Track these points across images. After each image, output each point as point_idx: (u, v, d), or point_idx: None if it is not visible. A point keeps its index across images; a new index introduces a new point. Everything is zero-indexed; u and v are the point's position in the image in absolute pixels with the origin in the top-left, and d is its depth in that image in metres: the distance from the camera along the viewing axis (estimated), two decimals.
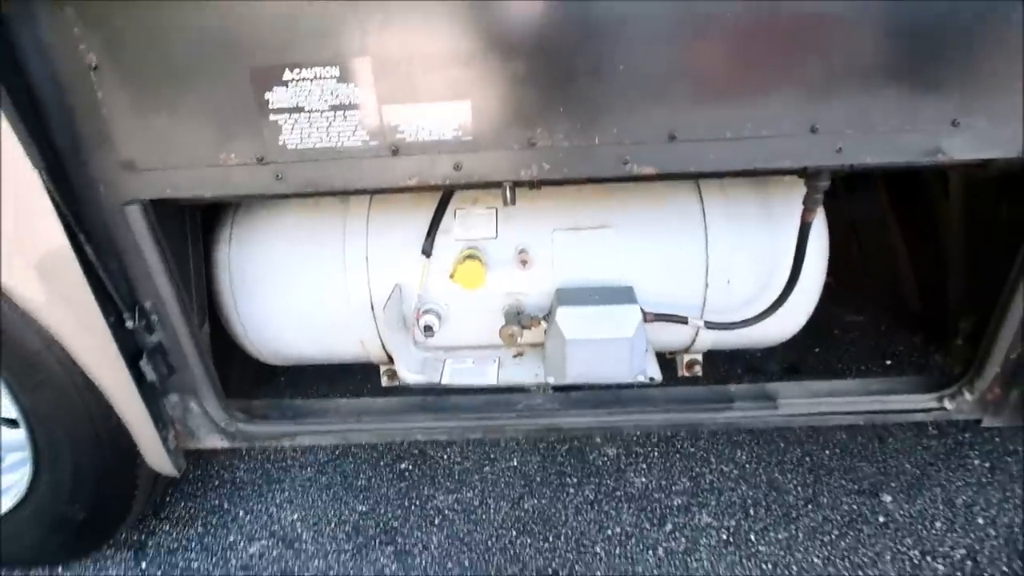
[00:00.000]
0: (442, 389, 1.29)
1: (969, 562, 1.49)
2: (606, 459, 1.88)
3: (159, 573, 1.58)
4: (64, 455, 1.27)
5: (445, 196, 1.30)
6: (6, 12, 0.88)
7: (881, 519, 1.62)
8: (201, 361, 1.19)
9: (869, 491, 1.70)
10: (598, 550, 1.58)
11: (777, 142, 0.95)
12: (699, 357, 1.51)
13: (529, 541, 1.62)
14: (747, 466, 1.82)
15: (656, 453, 1.90)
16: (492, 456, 1.92)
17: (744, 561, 1.52)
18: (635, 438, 1.95)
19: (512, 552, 1.59)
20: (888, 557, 1.51)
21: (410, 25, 0.89)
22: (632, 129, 0.96)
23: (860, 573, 1.48)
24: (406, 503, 1.76)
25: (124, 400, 1.17)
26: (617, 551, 1.57)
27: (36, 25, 0.88)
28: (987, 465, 1.77)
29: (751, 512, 1.66)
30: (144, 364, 1.14)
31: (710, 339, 1.41)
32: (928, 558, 1.51)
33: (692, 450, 1.89)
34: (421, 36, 0.90)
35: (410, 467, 1.90)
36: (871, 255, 1.86)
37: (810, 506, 1.67)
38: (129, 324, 1.10)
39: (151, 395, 1.19)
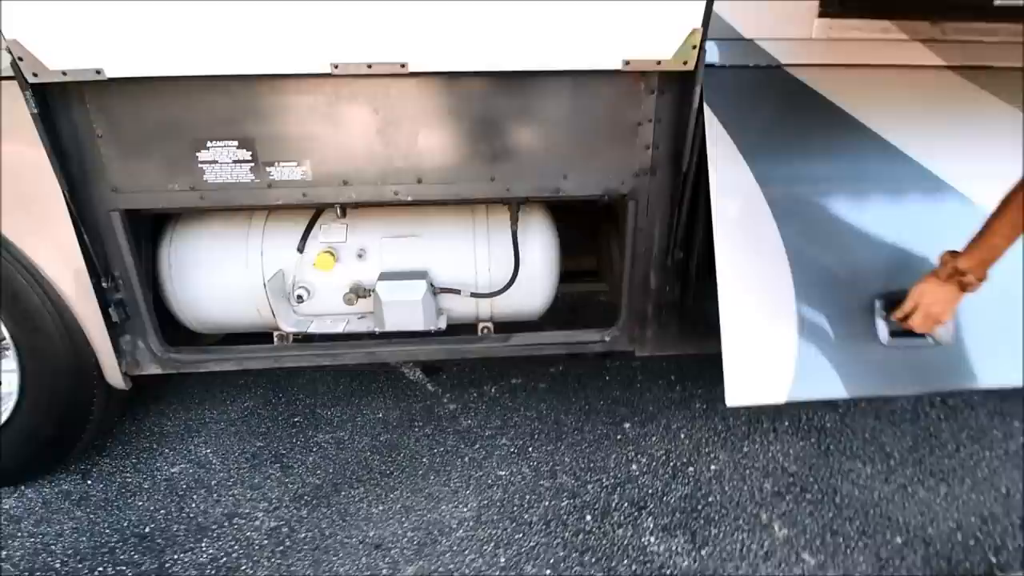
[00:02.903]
0: (307, 336, 2.03)
1: (664, 458, 2.29)
2: (446, 410, 2.61)
3: (101, 485, 2.17)
4: (45, 379, 1.91)
5: (316, 214, 2.08)
6: (51, 103, 1.61)
7: (619, 437, 2.41)
8: (148, 313, 1.88)
9: (618, 422, 2.50)
10: (424, 460, 2.29)
11: (476, 184, 1.78)
12: (490, 324, 2.30)
13: (378, 459, 2.31)
14: (544, 412, 2.59)
15: (483, 405, 2.64)
16: (364, 411, 2.61)
17: (518, 462, 2.27)
18: (471, 396, 2.70)
19: (365, 464, 2.27)
20: (613, 457, 2.29)
21: (274, 122, 1.68)
22: (398, 176, 1.77)
23: (591, 464, 2.24)
24: (294, 440, 2.43)
25: (97, 335, 1.84)
26: (437, 461, 2.28)
27: (70, 111, 1.62)
28: (704, 407, 2.61)
29: (534, 436, 2.42)
30: (112, 310, 1.83)
31: (488, 310, 2.20)
32: (638, 455, 2.30)
33: (510, 404, 2.65)
34: (280, 126, 1.69)
35: (300, 419, 2.57)
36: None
37: (575, 431, 2.44)
38: (104, 284, 1.79)
39: (114, 332, 1.87)
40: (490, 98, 1.67)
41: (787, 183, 1.76)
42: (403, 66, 1.52)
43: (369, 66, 1.51)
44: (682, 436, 2.41)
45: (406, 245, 2.08)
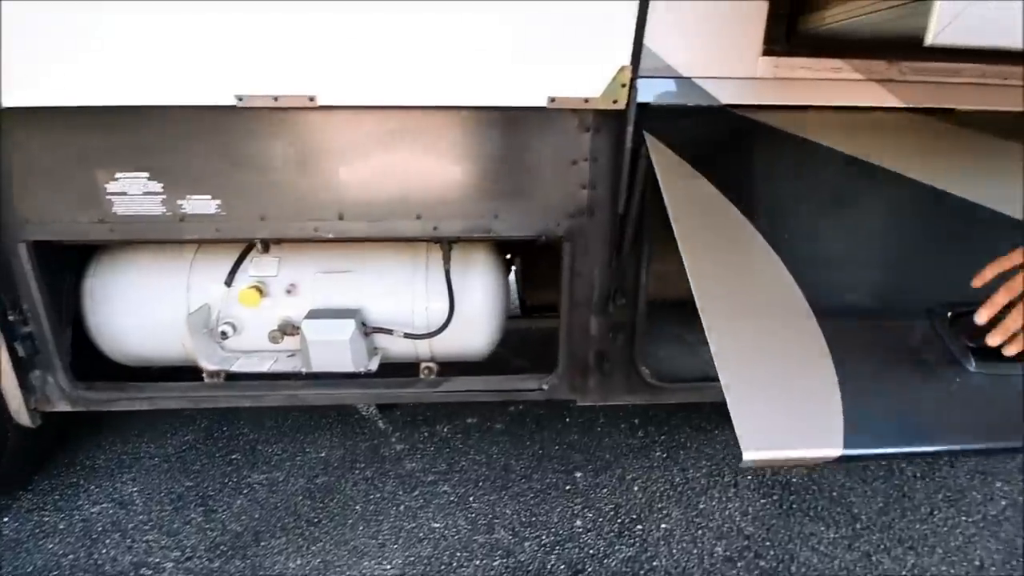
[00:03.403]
0: (231, 374, 1.92)
1: (612, 513, 2.14)
2: (392, 451, 2.49)
3: (15, 524, 2.06)
4: None
5: (248, 247, 1.99)
6: None
7: (567, 487, 2.27)
8: (58, 348, 1.78)
9: (570, 470, 2.36)
10: (356, 508, 2.16)
11: (402, 222, 1.68)
12: (433, 365, 2.18)
13: (309, 504, 2.18)
14: (495, 456, 2.45)
15: (432, 447, 2.51)
16: (306, 449, 2.49)
17: (456, 513, 2.13)
18: (421, 435, 2.57)
19: (294, 510, 2.15)
20: (558, 510, 2.15)
21: (184, 154, 1.59)
22: (318, 212, 1.67)
23: (533, 518, 2.10)
24: (225, 480, 2.31)
25: (4, 370, 1.75)
26: (370, 509, 2.15)
27: None
28: (664, 456, 2.46)
29: (479, 483, 2.28)
30: (18, 344, 1.73)
31: (428, 350, 2.09)
32: (585, 509, 2.15)
33: (460, 445, 2.52)
34: (191, 159, 1.60)
35: (239, 456, 2.45)
36: None
37: (523, 479, 2.30)
38: (10, 316, 1.70)
39: (21, 367, 1.78)
40: (411, 133, 1.57)
41: (774, 214, 1.57)
42: (311, 99, 1.43)
43: (275, 99, 1.43)
44: (636, 489, 2.26)
45: (339, 281, 1.97)
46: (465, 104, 1.48)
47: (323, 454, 2.46)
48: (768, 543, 2.00)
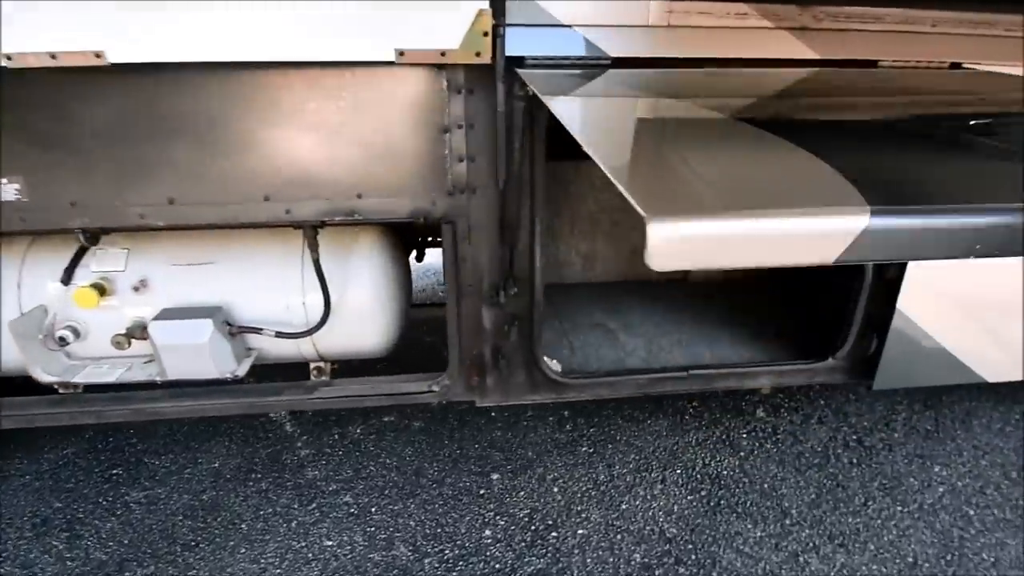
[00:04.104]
0: (76, 384, 1.67)
1: (526, 520, 1.96)
2: (295, 458, 2.26)
3: None
4: None
5: (92, 238, 1.71)
6: None
7: (482, 492, 2.08)
8: None
9: (487, 472, 2.17)
10: (242, 527, 1.93)
11: (246, 206, 1.43)
12: (323, 365, 1.96)
13: (189, 525, 1.95)
14: (408, 458, 2.25)
15: (340, 451, 2.30)
16: (199, 459, 2.26)
17: (354, 527, 1.92)
18: (331, 438, 2.36)
19: (170, 532, 1.92)
20: (468, 518, 1.96)
21: None
22: (141, 196, 1.40)
23: (439, 529, 1.91)
24: (100, 499, 2.06)
25: None
26: (257, 528, 1.93)
27: None
28: (590, 451, 2.29)
29: (385, 491, 2.08)
30: None
31: (314, 350, 1.86)
32: (497, 516, 1.97)
33: (371, 448, 2.31)
34: None
35: (120, 472, 2.20)
36: None
37: (434, 484, 2.11)
38: None
39: None
40: (244, 99, 1.32)
41: None
42: (98, 55, 1.16)
43: (53, 56, 1.16)
44: (555, 490, 2.08)
45: (200, 275, 1.72)
46: (296, 59, 1.23)
47: (216, 464, 2.22)
48: (691, 546, 1.85)
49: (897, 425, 2.44)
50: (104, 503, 2.04)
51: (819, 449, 2.28)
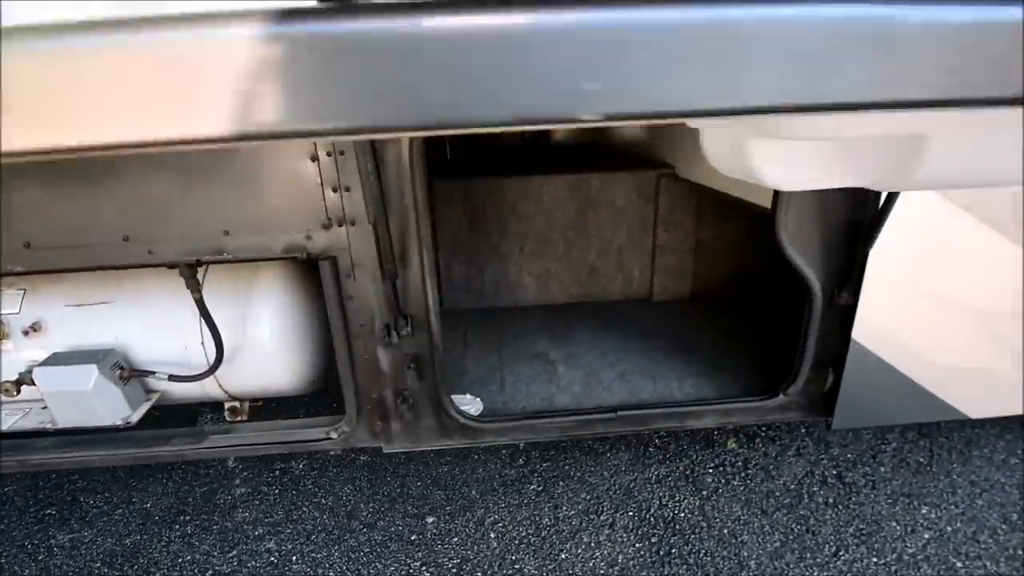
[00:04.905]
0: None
1: (454, 570, 1.81)
2: (228, 498, 2.17)
3: None
4: None
5: None
6: None
7: (413, 537, 1.94)
8: None
9: (424, 514, 2.03)
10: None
11: (105, 249, 1.33)
12: (238, 404, 1.85)
13: (106, 571, 1.87)
14: (345, 498, 2.12)
15: (277, 489, 2.19)
16: (133, 499, 2.18)
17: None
18: (271, 474, 2.25)
19: None
20: (392, 569, 1.82)
21: None
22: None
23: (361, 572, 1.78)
24: (26, 543, 2.00)
25: None
26: (175, 573, 1.84)
27: None
28: (539, 489, 2.12)
29: (311, 536, 1.96)
30: None
31: (223, 390, 1.76)
32: (424, 567, 1.82)
33: (310, 486, 2.19)
34: None
35: (53, 512, 2.14)
36: None
37: (365, 528, 1.98)
38: None
39: None
40: None
41: None
42: None
43: None
44: (492, 536, 1.92)
45: (94, 316, 1.64)
46: None
47: (148, 505, 2.14)
48: None
49: (885, 457, 2.20)
50: (29, 547, 1.98)
51: (792, 487, 2.06)
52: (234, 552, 1.91)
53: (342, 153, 1.27)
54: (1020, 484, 2.03)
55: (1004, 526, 1.87)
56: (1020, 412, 1.72)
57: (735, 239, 2.42)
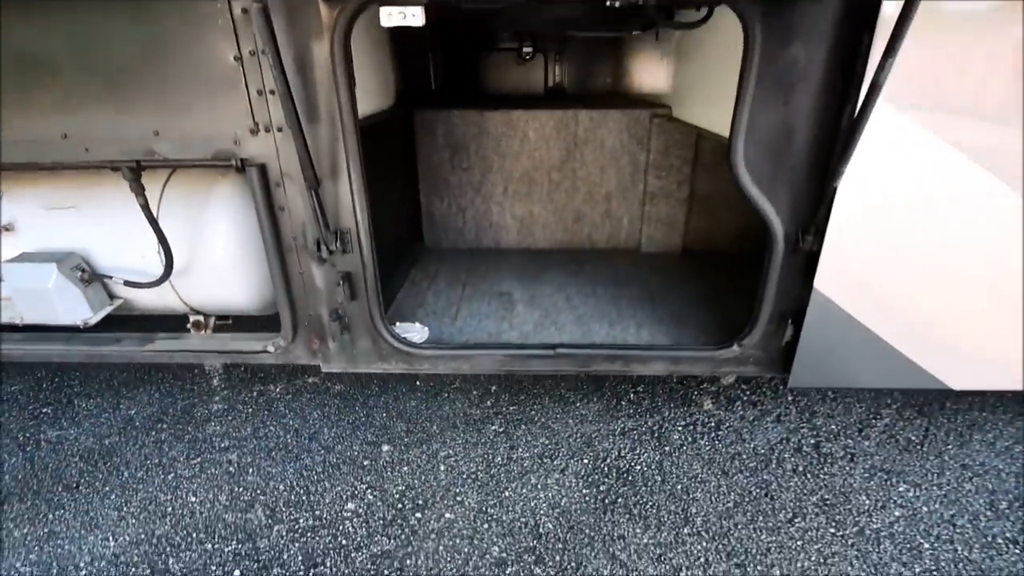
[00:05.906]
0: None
1: (397, 497, 1.82)
2: (204, 412, 2.25)
3: None
4: None
5: None
6: None
7: (366, 463, 1.96)
8: None
9: (381, 442, 2.05)
10: (124, 474, 1.94)
11: (47, 147, 1.35)
12: (202, 319, 1.90)
13: (80, 467, 1.98)
14: (312, 421, 2.16)
15: (252, 408, 2.26)
16: (121, 405, 2.30)
17: (223, 487, 1.87)
18: (250, 394, 2.33)
19: (58, 473, 1.95)
20: (339, 488, 1.86)
21: None
22: None
23: (305, 496, 1.82)
24: (19, 435, 2.14)
25: None
26: (136, 476, 1.93)
27: None
28: (500, 430, 2.10)
29: (271, 453, 2.01)
30: None
31: (182, 301, 1.80)
32: (369, 490, 1.84)
33: (282, 408, 2.24)
34: None
35: (51, 410, 2.28)
36: None
37: (323, 449, 2.02)
38: None
39: None
40: (35, 26, 1.22)
41: None
42: None
43: None
44: (442, 468, 1.92)
45: (62, 220, 1.70)
46: None
47: (132, 412, 2.26)
48: (560, 545, 1.64)
49: (873, 432, 2.04)
50: (20, 439, 2.13)
51: (762, 452, 1.96)
52: (198, 459, 2.00)
53: (264, 52, 1.23)
54: (1020, 472, 1.85)
55: (988, 512, 1.71)
56: (1018, 387, 1.54)
57: (734, 191, 2.25)
